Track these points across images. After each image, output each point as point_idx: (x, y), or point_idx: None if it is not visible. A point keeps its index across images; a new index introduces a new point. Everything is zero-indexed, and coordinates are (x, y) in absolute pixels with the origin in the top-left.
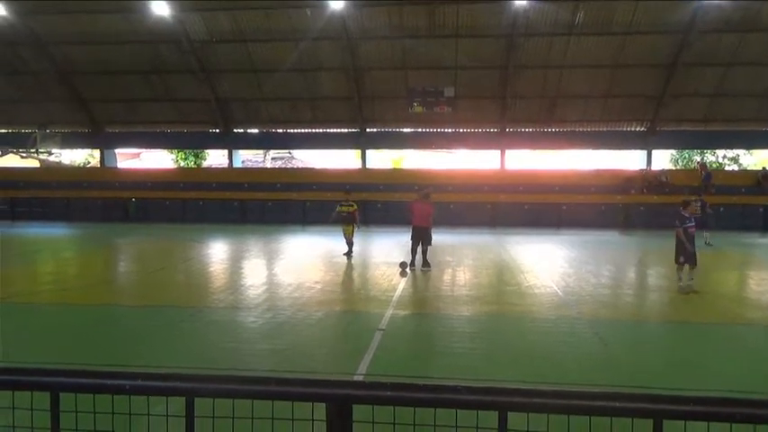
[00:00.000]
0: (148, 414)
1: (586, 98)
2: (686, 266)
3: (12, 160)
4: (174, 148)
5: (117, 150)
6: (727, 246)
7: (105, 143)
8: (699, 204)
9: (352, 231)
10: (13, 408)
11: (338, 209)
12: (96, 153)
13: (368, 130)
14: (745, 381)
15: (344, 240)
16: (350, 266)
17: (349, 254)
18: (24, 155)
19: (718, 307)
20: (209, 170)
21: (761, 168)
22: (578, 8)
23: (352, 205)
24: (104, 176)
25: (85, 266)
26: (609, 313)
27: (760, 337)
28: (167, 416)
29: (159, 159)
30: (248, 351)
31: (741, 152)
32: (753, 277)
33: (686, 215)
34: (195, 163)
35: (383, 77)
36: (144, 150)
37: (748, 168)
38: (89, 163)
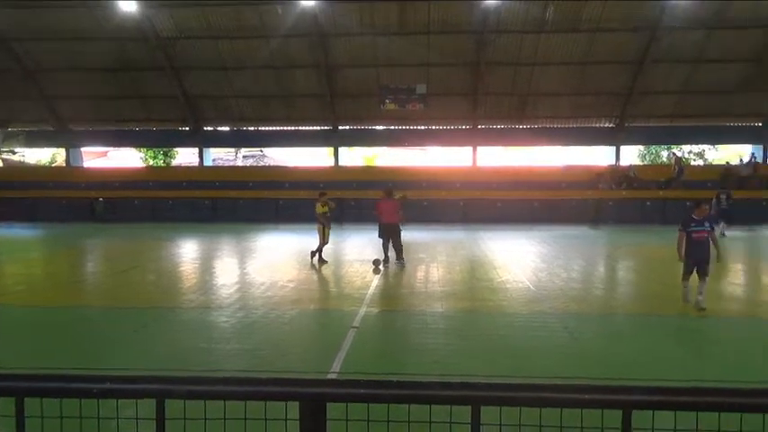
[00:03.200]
0: (117, 417)
1: (557, 95)
2: (694, 278)
3: None
4: (143, 147)
5: (83, 149)
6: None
7: (71, 142)
8: (725, 197)
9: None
10: None
11: (321, 210)
12: (62, 152)
13: (340, 127)
14: (709, 371)
15: (320, 243)
16: (323, 265)
17: (323, 259)
18: None
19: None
20: (179, 169)
21: (725, 163)
22: (548, 6)
23: (328, 204)
24: (70, 176)
25: (53, 267)
26: (578, 307)
27: (725, 328)
28: (137, 419)
29: (127, 158)
30: (220, 351)
31: (707, 147)
32: (719, 269)
33: (696, 218)
34: (164, 161)
35: (355, 75)
36: (111, 149)
37: (713, 163)
38: (54, 162)
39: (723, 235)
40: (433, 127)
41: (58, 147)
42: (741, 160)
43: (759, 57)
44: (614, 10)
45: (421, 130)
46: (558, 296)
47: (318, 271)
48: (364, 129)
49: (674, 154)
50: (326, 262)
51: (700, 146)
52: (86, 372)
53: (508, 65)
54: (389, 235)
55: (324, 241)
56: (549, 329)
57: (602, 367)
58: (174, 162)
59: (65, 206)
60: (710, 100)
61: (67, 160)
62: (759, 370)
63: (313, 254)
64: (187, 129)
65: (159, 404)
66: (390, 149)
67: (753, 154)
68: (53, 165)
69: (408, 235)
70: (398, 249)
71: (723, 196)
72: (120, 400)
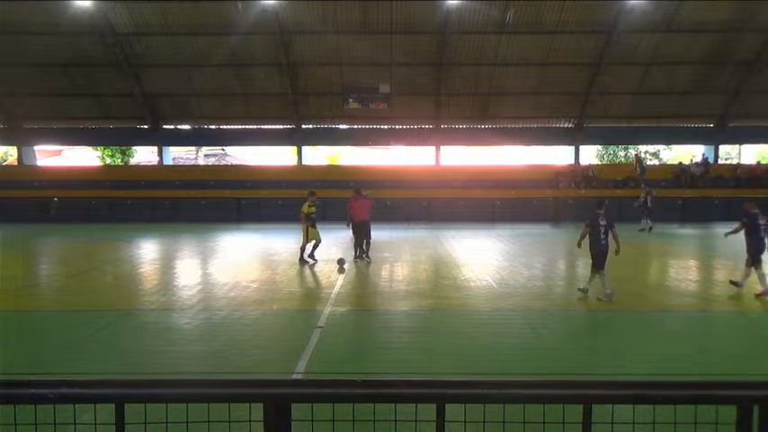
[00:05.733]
0: (74, 423)
1: (517, 95)
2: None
3: None
4: (99, 145)
5: (36, 147)
6: (646, 236)
7: (23, 140)
8: (644, 194)
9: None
10: None
11: (308, 210)
12: (13, 150)
13: (303, 126)
14: (670, 364)
15: (312, 244)
16: (287, 264)
17: (304, 259)
18: None
19: (641, 295)
20: (138, 168)
21: (678, 163)
22: (508, 7)
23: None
24: (23, 174)
25: (6, 270)
26: (541, 304)
27: (677, 322)
28: (95, 424)
29: (83, 157)
30: (182, 354)
31: (661, 147)
32: (673, 266)
33: (600, 212)
34: (122, 160)
35: (318, 73)
36: (66, 147)
37: (668, 163)
38: (6, 160)
39: (650, 229)
40: (397, 126)
41: (9, 145)
42: (692, 160)
43: (709, 60)
44: (573, 12)
45: (384, 129)
46: (521, 293)
47: (282, 271)
48: (327, 127)
49: (636, 156)
50: (316, 261)
51: (655, 146)
52: (42, 377)
53: (470, 65)
54: (364, 232)
55: (306, 240)
56: (513, 326)
57: (565, 363)
58: (133, 161)
59: (17, 206)
60: (664, 101)
61: (20, 158)
62: (722, 362)
63: (309, 256)
64: (145, 127)
65: (118, 408)
66: (354, 148)
67: (704, 154)
68: (4, 163)
69: (373, 234)
70: (369, 245)
71: (649, 195)
72: (77, 406)
